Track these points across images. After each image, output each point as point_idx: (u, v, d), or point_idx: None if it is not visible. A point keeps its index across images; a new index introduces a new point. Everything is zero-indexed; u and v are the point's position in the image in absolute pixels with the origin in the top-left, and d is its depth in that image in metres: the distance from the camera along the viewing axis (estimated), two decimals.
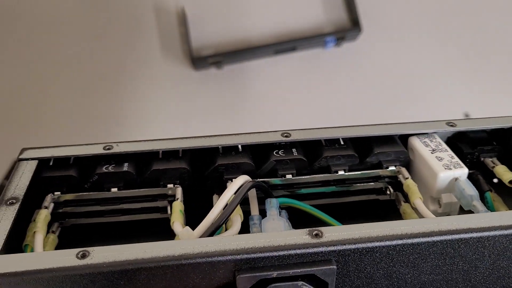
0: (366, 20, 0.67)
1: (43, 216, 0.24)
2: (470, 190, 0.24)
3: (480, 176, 0.27)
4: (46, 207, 0.25)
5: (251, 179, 0.25)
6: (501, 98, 0.61)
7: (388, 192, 0.28)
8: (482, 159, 0.28)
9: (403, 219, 0.26)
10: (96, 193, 0.26)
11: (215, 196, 0.27)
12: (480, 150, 0.28)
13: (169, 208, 0.26)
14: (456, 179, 0.25)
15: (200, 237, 0.22)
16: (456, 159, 0.26)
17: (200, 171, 0.27)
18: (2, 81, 0.65)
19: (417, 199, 0.25)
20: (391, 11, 0.70)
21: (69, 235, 0.27)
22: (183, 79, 0.66)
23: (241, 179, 0.25)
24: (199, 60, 0.63)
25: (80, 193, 0.26)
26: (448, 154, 0.26)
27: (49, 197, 0.25)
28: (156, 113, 0.62)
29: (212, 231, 0.22)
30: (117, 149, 0.26)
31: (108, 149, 0.26)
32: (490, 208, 0.26)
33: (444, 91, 0.60)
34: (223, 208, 0.23)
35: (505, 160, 0.28)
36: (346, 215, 0.27)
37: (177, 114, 0.63)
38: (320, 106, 0.66)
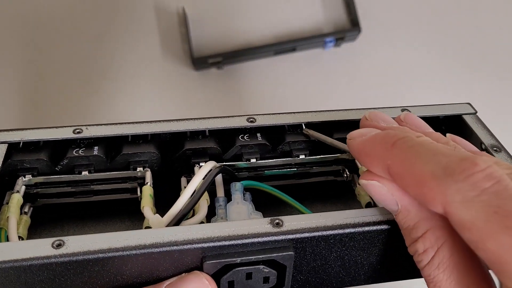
0: (365, 21, 0.67)
1: (15, 200, 0.25)
2: None
3: None
4: (18, 191, 0.25)
5: (218, 164, 0.27)
6: (501, 97, 0.63)
7: (345, 175, 0.30)
8: None
9: (357, 200, 0.28)
10: (67, 176, 0.27)
11: (182, 179, 0.28)
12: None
13: (138, 189, 0.28)
14: None
15: (169, 224, 0.24)
16: None
17: (168, 154, 0.28)
18: (2, 80, 0.64)
19: None
20: (390, 12, 0.69)
21: (41, 214, 0.28)
22: (183, 79, 0.66)
23: (209, 165, 0.26)
24: (199, 60, 0.63)
25: (51, 176, 0.27)
26: None
27: (20, 181, 0.26)
28: (156, 113, 0.62)
29: (180, 218, 0.24)
30: (86, 132, 0.27)
31: (78, 132, 0.27)
32: None
33: (444, 91, 0.61)
34: (192, 193, 0.25)
35: None
36: (306, 196, 0.29)
37: (177, 114, 0.62)
38: (320, 106, 0.64)
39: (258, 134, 0.29)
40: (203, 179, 0.26)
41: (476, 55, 0.67)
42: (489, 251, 0.17)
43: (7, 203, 0.25)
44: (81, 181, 0.27)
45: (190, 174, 0.28)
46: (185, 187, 0.27)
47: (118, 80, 0.65)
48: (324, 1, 0.69)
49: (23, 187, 0.26)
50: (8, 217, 0.24)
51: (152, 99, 0.60)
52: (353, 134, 0.24)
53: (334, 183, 0.30)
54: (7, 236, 0.24)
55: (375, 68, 0.66)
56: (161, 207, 0.26)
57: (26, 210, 0.27)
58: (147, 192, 0.26)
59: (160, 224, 0.23)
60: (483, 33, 0.69)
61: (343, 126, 0.29)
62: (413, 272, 0.26)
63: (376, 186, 0.22)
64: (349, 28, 0.67)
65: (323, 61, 0.67)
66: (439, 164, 0.19)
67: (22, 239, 0.25)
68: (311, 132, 0.29)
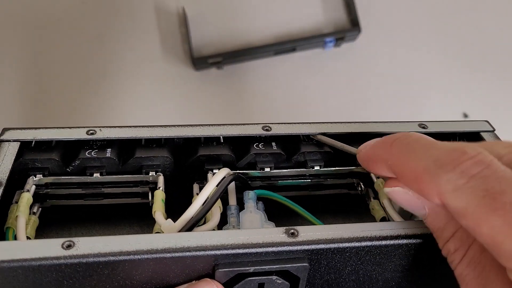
0: (365, 21, 0.66)
1: (25, 200, 0.24)
2: None
3: None
4: (28, 190, 0.25)
5: (231, 172, 0.26)
6: (500, 98, 0.63)
7: (359, 188, 0.29)
8: None
9: (371, 215, 0.28)
10: (78, 177, 0.26)
11: (195, 185, 0.27)
12: None
13: (150, 194, 0.27)
14: None
15: (182, 229, 0.23)
16: None
17: (182, 160, 0.28)
18: (2, 80, 0.63)
19: (386, 199, 0.26)
20: (390, 12, 0.69)
21: (49, 216, 0.27)
22: (183, 79, 0.65)
23: (222, 172, 0.26)
24: (200, 60, 0.63)
25: (62, 177, 0.26)
26: None
27: (30, 180, 0.26)
28: (156, 113, 0.62)
29: (193, 224, 0.23)
30: (100, 134, 0.27)
31: (91, 134, 0.27)
32: None
33: (444, 91, 0.61)
34: (204, 201, 0.24)
35: None
36: (318, 208, 0.28)
37: (177, 114, 0.63)
38: (320, 106, 0.65)
39: (273, 143, 0.28)
40: (217, 186, 0.25)
41: (476, 55, 0.66)
42: (484, 235, 0.17)
43: (16, 202, 0.25)
44: (92, 183, 0.27)
45: (202, 181, 0.27)
46: (197, 194, 0.26)
47: (118, 80, 0.65)
48: (324, 1, 0.68)
49: (33, 186, 0.26)
50: (17, 216, 0.24)
51: (152, 99, 0.60)
52: (359, 147, 0.25)
53: (348, 196, 0.30)
54: (15, 235, 0.23)
55: (375, 68, 0.66)
56: (172, 213, 0.25)
57: (34, 210, 0.26)
58: (159, 197, 0.25)
59: (172, 230, 0.23)
60: (483, 33, 0.68)
61: (359, 138, 0.29)
62: None
63: (401, 192, 0.22)
64: (349, 28, 0.67)
65: (323, 61, 0.67)
66: (431, 157, 0.19)
67: (30, 239, 0.24)
68: (320, 137, 0.28)
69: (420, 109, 0.58)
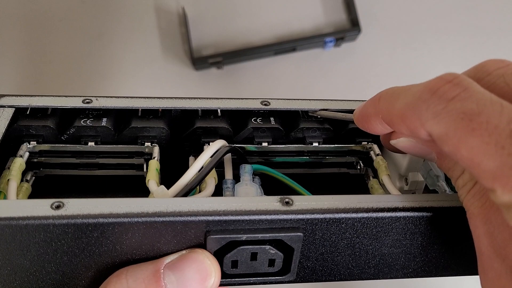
0: (365, 21, 0.66)
1: (18, 164, 0.24)
2: (437, 170, 0.26)
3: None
4: (21, 156, 0.25)
5: (228, 144, 0.26)
6: None
7: (358, 167, 0.29)
8: None
9: (370, 194, 0.27)
10: (73, 146, 0.26)
11: (191, 158, 0.27)
12: None
13: (145, 166, 0.27)
14: (424, 160, 0.26)
15: (175, 196, 0.23)
16: None
17: (178, 132, 0.27)
18: (2, 80, 0.65)
19: (385, 175, 0.26)
20: (390, 12, 0.69)
21: (42, 185, 0.27)
22: (183, 79, 0.66)
23: (218, 143, 0.25)
24: (199, 60, 0.63)
25: (57, 145, 0.26)
26: None
27: (24, 146, 0.25)
28: None
29: (186, 192, 0.23)
30: (96, 103, 0.26)
31: (87, 102, 0.26)
32: (453, 190, 0.27)
33: None
34: (199, 170, 0.24)
35: None
36: (316, 186, 0.28)
37: None
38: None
39: (272, 118, 0.28)
40: (211, 157, 0.25)
41: (476, 55, 0.67)
42: (464, 158, 0.17)
43: (9, 168, 0.25)
44: (86, 152, 0.26)
45: (198, 154, 0.27)
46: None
47: (118, 80, 0.66)
48: (324, 1, 0.69)
49: (27, 153, 0.25)
50: (8, 180, 0.23)
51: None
52: (354, 111, 0.25)
53: (347, 176, 0.29)
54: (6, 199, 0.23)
55: (375, 68, 0.66)
56: (167, 186, 0.25)
57: (28, 178, 0.26)
58: (153, 166, 0.25)
59: (165, 196, 0.22)
60: (483, 33, 0.68)
61: None
62: (427, 270, 0.25)
63: (405, 142, 0.22)
64: (349, 28, 0.67)
65: (323, 61, 0.67)
66: (411, 93, 0.19)
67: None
68: (321, 112, 0.28)
69: None
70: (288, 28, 0.67)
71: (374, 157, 0.27)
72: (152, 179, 0.24)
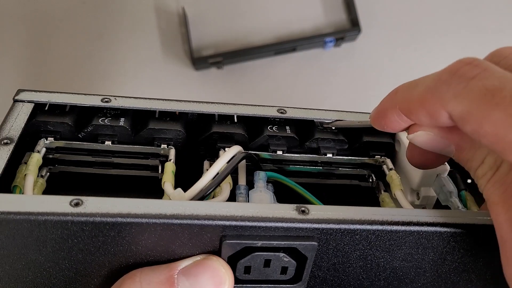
0: (365, 21, 0.66)
1: (35, 159, 0.24)
2: (450, 186, 0.26)
3: (458, 175, 0.29)
4: (38, 151, 0.25)
5: (243, 150, 0.26)
6: None
7: (370, 180, 0.29)
8: None
9: (381, 207, 0.27)
10: (89, 144, 0.26)
11: (206, 162, 0.27)
12: None
13: (160, 167, 0.27)
14: (437, 175, 0.27)
15: (191, 200, 0.23)
16: None
17: (194, 135, 0.28)
18: (2, 81, 0.64)
19: (398, 190, 0.26)
20: (390, 12, 0.69)
21: (56, 181, 0.27)
22: (183, 79, 0.66)
23: (234, 149, 0.26)
24: (200, 60, 0.63)
25: (74, 142, 0.26)
26: None
27: (41, 142, 0.25)
28: None
29: (202, 196, 0.23)
30: (115, 102, 0.26)
31: (106, 101, 0.26)
32: (464, 206, 0.27)
33: None
34: (215, 176, 0.24)
35: None
36: (327, 196, 0.28)
37: None
38: (320, 106, 0.66)
39: (287, 127, 0.28)
40: (227, 163, 0.25)
41: (476, 55, 0.66)
42: (487, 135, 0.17)
43: (26, 163, 0.25)
44: (102, 151, 0.26)
45: (213, 159, 0.27)
46: (207, 170, 0.26)
47: (118, 80, 0.65)
48: (324, 1, 0.68)
49: (44, 149, 0.25)
50: (25, 175, 0.23)
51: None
52: (370, 113, 0.25)
53: (357, 188, 0.30)
54: (22, 194, 0.23)
55: (375, 68, 0.66)
56: (181, 188, 0.25)
57: (43, 173, 0.26)
58: (169, 169, 0.25)
59: (182, 199, 0.23)
60: (483, 33, 0.68)
61: (374, 129, 0.28)
62: (436, 286, 0.25)
63: (423, 135, 0.22)
64: (349, 28, 0.66)
65: (323, 61, 0.66)
66: (430, 79, 0.20)
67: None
68: (337, 123, 0.28)
69: None
70: (288, 28, 0.67)
71: (387, 171, 0.28)
72: (167, 181, 0.24)
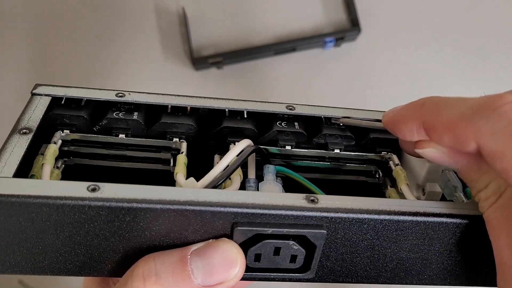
0: (365, 21, 0.66)
1: (52, 150, 0.25)
2: (455, 181, 0.26)
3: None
4: (55, 143, 0.26)
5: (252, 144, 0.27)
6: None
7: (377, 176, 0.29)
8: None
9: None
10: (104, 137, 0.27)
11: (216, 156, 0.28)
12: None
13: (171, 160, 0.28)
14: (442, 170, 0.27)
15: (206, 186, 0.23)
16: None
17: (205, 130, 0.28)
18: (2, 81, 0.65)
19: (404, 185, 0.27)
20: (390, 12, 0.69)
21: (71, 173, 0.27)
22: (183, 79, 0.66)
23: (244, 143, 0.26)
24: (200, 60, 0.63)
25: (89, 135, 0.27)
26: None
27: (58, 134, 0.26)
28: None
29: (214, 186, 0.24)
30: (129, 97, 0.27)
31: (120, 96, 0.27)
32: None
33: (444, 91, 0.61)
34: (225, 167, 0.25)
35: None
36: (334, 192, 0.29)
37: None
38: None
39: (296, 123, 0.29)
40: (237, 156, 0.26)
41: (476, 55, 0.65)
42: None
43: (42, 154, 0.25)
44: (116, 144, 0.27)
45: (224, 152, 0.28)
46: (218, 163, 0.27)
47: (118, 80, 0.65)
48: (324, 1, 0.68)
49: (60, 141, 0.26)
50: (43, 164, 0.24)
51: None
52: (385, 113, 0.25)
53: (364, 184, 0.30)
54: None
55: (375, 68, 0.65)
56: None
57: (58, 165, 0.27)
58: (181, 161, 0.26)
59: (194, 187, 0.23)
60: (483, 33, 0.68)
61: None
62: (441, 278, 0.25)
63: (431, 152, 0.22)
64: (349, 28, 0.66)
65: (323, 61, 0.66)
66: (466, 105, 0.20)
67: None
68: (344, 120, 0.28)
69: None
70: (288, 28, 0.67)
71: (393, 167, 0.28)
72: (180, 172, 0.25)
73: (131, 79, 0.66)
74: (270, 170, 0.27)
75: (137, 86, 0.61)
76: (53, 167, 0.26)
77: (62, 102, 0.27)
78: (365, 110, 0.30)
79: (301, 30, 0.67)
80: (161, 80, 0.66)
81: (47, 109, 0.26)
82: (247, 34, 0.67)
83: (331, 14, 0.68)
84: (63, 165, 0.27)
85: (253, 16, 0.67)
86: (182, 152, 0.26)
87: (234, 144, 0.28)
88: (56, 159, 0.26)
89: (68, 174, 0.27)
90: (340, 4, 0.68)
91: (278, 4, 0.68)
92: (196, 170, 0.26)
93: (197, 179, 0.24)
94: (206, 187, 0.24)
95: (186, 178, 0.25)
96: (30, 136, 0.24)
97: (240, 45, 0.66)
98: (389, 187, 0.29)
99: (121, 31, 0.67)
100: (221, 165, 0.24)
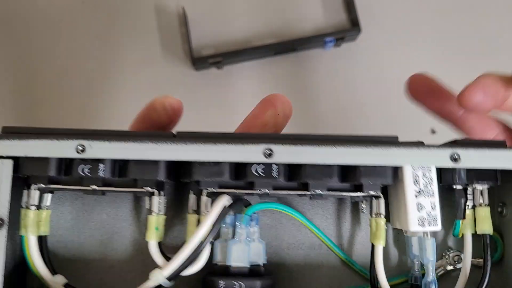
0: (365, 21, 0.66)
1: (30, 219, 0.26)
2: (430, 254, 0.25)
3: (464, 200, 0.27)
4: (29, 207, 0.26)
5: (229, 199, 0.26)
6: None
7: (363, 206, 0.28)
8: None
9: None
10: (77, 187, 0.27)
11: (191, 196, 0.27)
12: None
13: (147, 201, 0.27)
14: (425, 233, 0.26)
15: (170, 275, 0.25)
16: (437, 211, 0.25)
17: (177, 174, 0.27)
18: (2, 80, 0.66)
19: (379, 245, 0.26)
20: (390, 12, 0.69)
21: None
22: (183, 79, 0.66)
23: (220, 203, 0.26)
24: (200, 60, 0.63)
25: (61, 186, 0.27)
26: (431, 202, 0.25)
27: (32, 192, 0.26)
28: None
29: (184, 267, 0.25)
30: (89, 152, 0.25)
31: (81, 151, 0.25)
32: (455, 234, 0.27)
33: None
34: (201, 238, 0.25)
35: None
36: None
37: None
38: (320, 106, 0.65)
39: (274, 167, 0.26)
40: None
41: (476, 55, 0.67)
42: None
43: (26, 207, 0.27)
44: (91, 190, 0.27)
45: (198, 193, 0.27)
46: (193, 211, 0.27)
47: (118, 80, 0.66)
48: (324, 1, 0.68)
49: (37, 191, 0.27)
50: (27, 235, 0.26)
51: (152, 98, 0.58)
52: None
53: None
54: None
55: (375, 68, 0.67)
56: (171, 214, 0.28)
57: (47, 203, 0.28)
58: (152, 225, 0.26)
59: (159, 279, 0.25)
60: (483, 33, 0.68)
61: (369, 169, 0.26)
62: None
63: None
64: (349, 28, 0.67)
65: (323, 61, 0.67)
66: None
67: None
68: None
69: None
70: (288, 28, 0.67)
71: (374, 211, 0.27)
72: (152, 240, 0.26)
73: (130, 79, 0.66)
74: (242, 226, 0.27)
75: (136, 86, 0.66)
76: (41, 208, 0.27)
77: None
78: (363, 148, 0.25)
79: (301, 30, 0.67)
80: (161, 80, 0.66)
81: (13, 171, 0.25)
82: (247, 34, 0.67)
83: (331, 14, 0.68)
84: (50, 194, 0.28)
85: (253, 16, 0.68)
86: (152, 212, 0.26)
87: (207, 189, 0.26)
88: (41, 197, 0.27)
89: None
90: (340, 4, 0.68)
91: (278, 4, 0.68)
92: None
93: (177, 211, 0.26)
94: (175, 271, 0.25)
95: (161, 237, 0.26)
96: (4, 231, 0.25)
97: (240, 45, 0.66)
98: (374, 215, 0.27)
99: (121, 31, 0.68)
100: (194, 240, 0.25)
